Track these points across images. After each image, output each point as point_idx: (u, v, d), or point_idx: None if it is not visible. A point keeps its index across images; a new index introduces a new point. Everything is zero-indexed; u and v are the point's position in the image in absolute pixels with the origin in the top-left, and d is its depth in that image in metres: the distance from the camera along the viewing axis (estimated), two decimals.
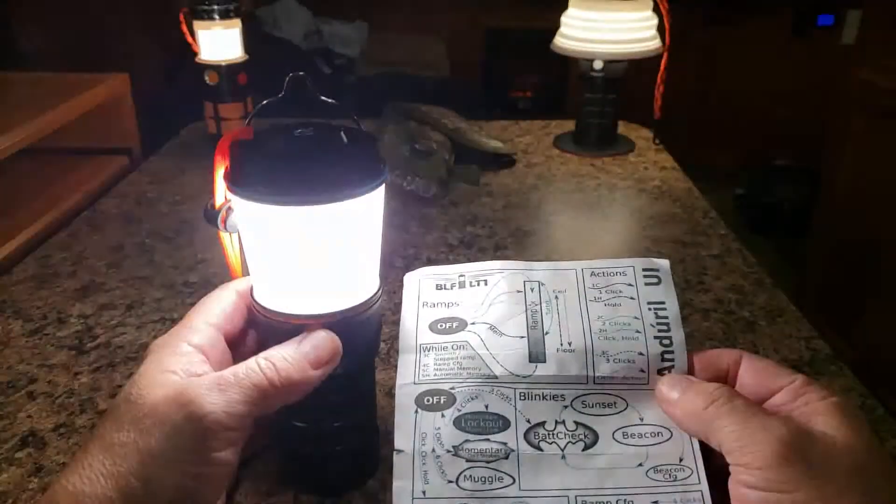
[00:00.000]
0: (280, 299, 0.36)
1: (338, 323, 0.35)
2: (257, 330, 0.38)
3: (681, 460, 0.36)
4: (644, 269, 0.40)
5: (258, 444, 0.41)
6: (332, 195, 0.32)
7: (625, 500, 0.35)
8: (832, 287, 1.80)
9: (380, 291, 0.38)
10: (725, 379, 0.37)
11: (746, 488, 0.31)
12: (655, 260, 0.40)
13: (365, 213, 0.34)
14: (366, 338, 0.38)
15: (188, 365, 0.35)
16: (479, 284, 0.40)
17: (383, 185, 0.35)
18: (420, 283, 0.41)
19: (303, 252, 0.34)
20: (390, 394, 0.50)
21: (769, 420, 0.32)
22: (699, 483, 0.35)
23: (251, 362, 0.34)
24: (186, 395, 0.33)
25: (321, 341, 0.35)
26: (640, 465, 0.36)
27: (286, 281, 0.35)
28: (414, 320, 0.40)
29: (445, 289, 0.41)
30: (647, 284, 0.40)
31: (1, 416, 0.48)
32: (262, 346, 0.38)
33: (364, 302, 0.36)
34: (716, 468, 0.35)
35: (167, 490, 0.31)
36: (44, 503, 0.31)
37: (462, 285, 0.41)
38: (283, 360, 0.34)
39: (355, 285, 0.36)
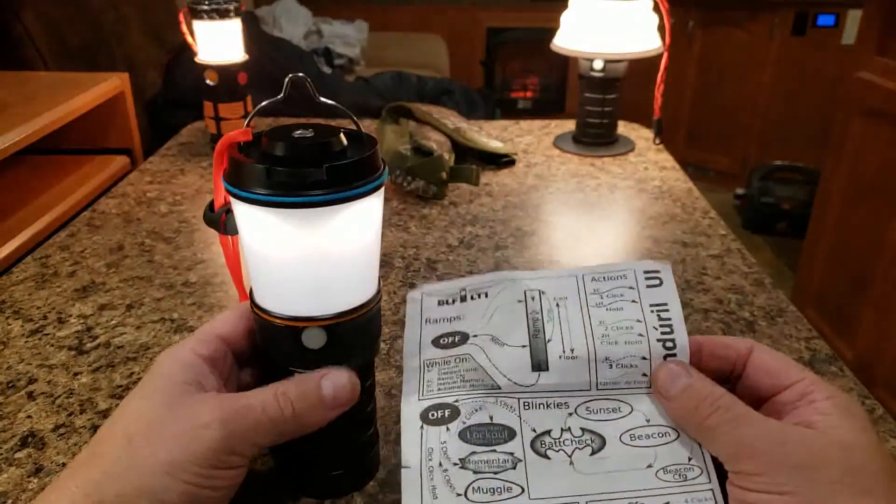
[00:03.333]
0: (279, 301, 0.36)
1: (337, 324, 0.35)
2: (256, 332, 0.38)
3: (690, 459, 0.36)
4: (645, 272, 0.40)
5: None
6: (331, 197, 0.32)
7: (636, 503, 0.35)
8: (831, 287, 1.80)
9: (379, 292, 0.38)
10: (733, 368, 0.37)
11: (744, 490, 0.32)
12: (656, 262, 0.40)
13: (364, 213, 0.34)
14: (365, 339, 0.38)
15: (198, 376, 0.35)
16: (479, 297, 0.40)
17: (383, 185, 0.35)
18: (423, 301, 0.41)
19: (302, 254, 0.34)
20: (390, 394, 0.50)
21: (767, 427, 0.33)
22: (709, 482, 0.35)
23: (269, 395, 0.34)
24: (200, 418, 0.33)
25: (342, 382, 0.35)
26: (650, 466, 0.36)
27: (285, 282, 0.35)
28: (417, 338, 0.40)
29: (448, 304, 0.41)
30: (648, 287, 0.39)
31: (1, 417, 0.48)
32: (260, 348, 0.38)
33: (363, 303, 0.36)
34: (714, 464, 0.35)
35: (173, 497, 0.32)
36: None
37: (464, 299, 0.41)
38: (303, 400, 0.34)
39: (354, 286, 0.36)
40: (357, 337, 0.37)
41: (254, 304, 0.37)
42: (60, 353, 0.55)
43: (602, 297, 0.39)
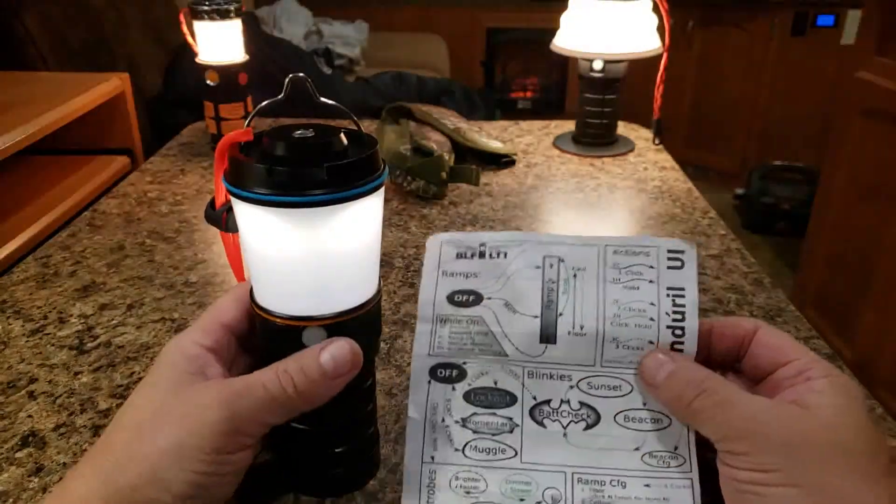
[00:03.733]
0: (279, 300, 0.36)
1: (337, 324, 0.36)
2: (257, 330, 0.38)
3: (675, 448, 0.37)
4: (669, 251, 0.39)
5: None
6: (331, 196, 0.32)
7: (618, 481, 0.37)
8: (831, 287, 1.80)
9: (379, 292, 0.38)
10: (741, 347, 0.38)
11: (733, 468, 0.33)
12: (683, 241, 0.39)
13: (364, 213, 0.35)
14: (365, 338, 0.38)
15: (202, 367, 0.36)
16: (498, 256, 0.40)
17: (383, 185, 0.35)
18: (441, 250, 0.41)
19: (302, 253, 0.34)
20: (390, 393, 0.50)
21: (752, 408, 0.33)
22: (690, 472, 0.36)
23: (270, 373, 0.34)
24: (203, 399, 0.33)
25: (341, 353, 0.35)
26: (637, 448, 0.37)
27: (285, 282, 0.35)
28: (433, 289, 0.40)
29: (466, 258, 0.41)
30: (669, 268, 0.39)
31: (1, 416, 0.48)
32: (261, 347, 0.38)
33: (364, 303, 0.36)
34: (702, 443, 0.36)
35: (179, 485, 0.32)
36: (58, 491, 0.33)
37: (482, 255, 0.40)
38: (302, 373, 0.34)
39: (354, 286, 0.36)
40: (357, 336, 0.37)
41: (254, 303, 0.37)
42: (61, 352, 0.55)
43: (620, 273, 0.39)
